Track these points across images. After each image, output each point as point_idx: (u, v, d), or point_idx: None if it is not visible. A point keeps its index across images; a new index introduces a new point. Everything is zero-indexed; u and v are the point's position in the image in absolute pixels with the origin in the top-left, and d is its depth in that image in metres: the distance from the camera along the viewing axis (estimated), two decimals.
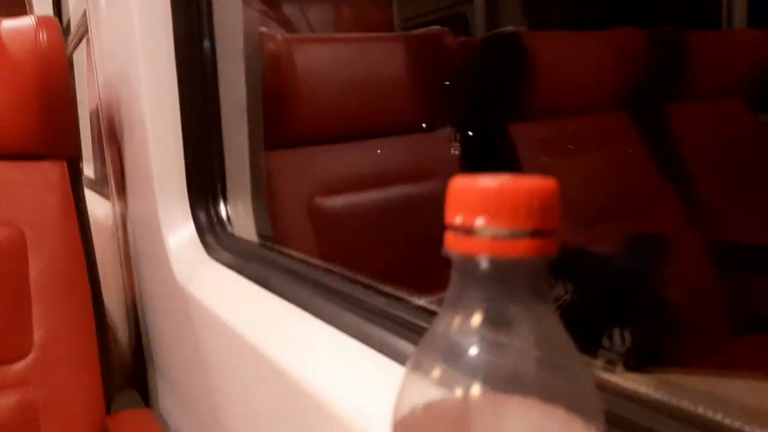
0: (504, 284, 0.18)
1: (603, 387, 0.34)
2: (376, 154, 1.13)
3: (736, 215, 1.38)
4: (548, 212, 0.17)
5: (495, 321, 0.18)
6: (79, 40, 1.51)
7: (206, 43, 0.85)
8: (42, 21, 0.88)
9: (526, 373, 0.18)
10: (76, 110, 1.66)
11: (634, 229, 1.19)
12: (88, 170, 1.75)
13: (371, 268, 0.56)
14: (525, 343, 0.18)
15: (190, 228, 0.83)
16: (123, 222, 1.08)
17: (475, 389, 0.19)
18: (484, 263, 0.18)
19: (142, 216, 0.95)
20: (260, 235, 0.84)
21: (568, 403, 0.18)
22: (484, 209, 0.17)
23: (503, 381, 0.19)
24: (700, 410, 0.27)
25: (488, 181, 0.17)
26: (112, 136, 1.08)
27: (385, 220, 1.08)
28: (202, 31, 0.86)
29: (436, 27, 1.27)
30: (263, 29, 1.07)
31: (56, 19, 0.92)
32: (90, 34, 1.20)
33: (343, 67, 1.10)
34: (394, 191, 1.13)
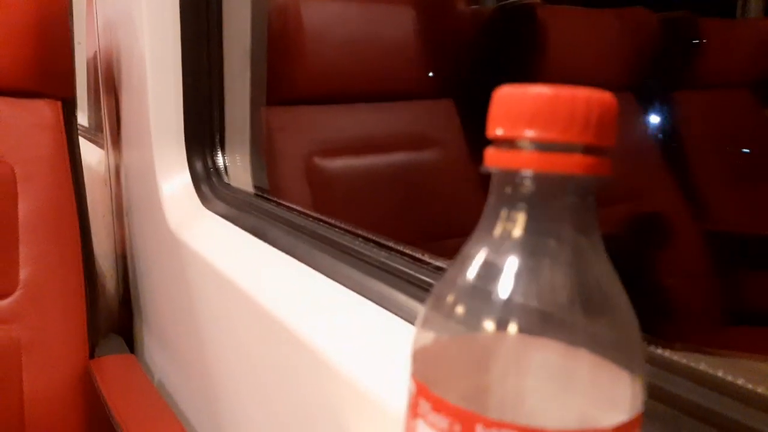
0: (548, 208, 0.16)
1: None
2: (379, 118, 1.11)
3: (733, 205, 1.37)
4: (606, 127, 0.15)
5: (533, 251, 0.17)
6: None
7: None
8: None
9: (563, 313, 0.17)
10: (74, 52, 1.62)
11: (633, 212, 1.18)
12: (82, 118, 1.72)
13: (365, 231, 0.55)
14: (565, 278, 0.17)
15: (185, 177, 0.81)
16: (116, 170, 1.06)
17: (502, 325, 0.17)
18: (527, 181, 0.16)
19: (136, 163, 0.92)
20: (257, 188, 0.82)
21: (606, 350, 0.17)
22: (533, 119, 0.16)
23: (535, 319, 0.17)
24: (720, 373, 0.26)
25: (540, 88, 0.16)
26: (109, 81, 1.05)
27: (383, 187, 1.07)
28: None
29: None
30: None
31: None
32: None
33: (351, 27, 1.07)
34: (395, 158, 1.11)
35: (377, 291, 0.47)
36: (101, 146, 1.20)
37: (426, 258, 0.45)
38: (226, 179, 0.80)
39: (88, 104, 1.67)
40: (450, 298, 0.18)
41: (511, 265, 0.17)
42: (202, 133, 0.83)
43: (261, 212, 0.68)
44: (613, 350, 0.17)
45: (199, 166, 0.81)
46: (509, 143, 0.16)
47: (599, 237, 0.17)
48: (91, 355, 0.86)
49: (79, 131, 1.39)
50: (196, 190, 0.79)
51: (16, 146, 0.84)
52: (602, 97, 0.15)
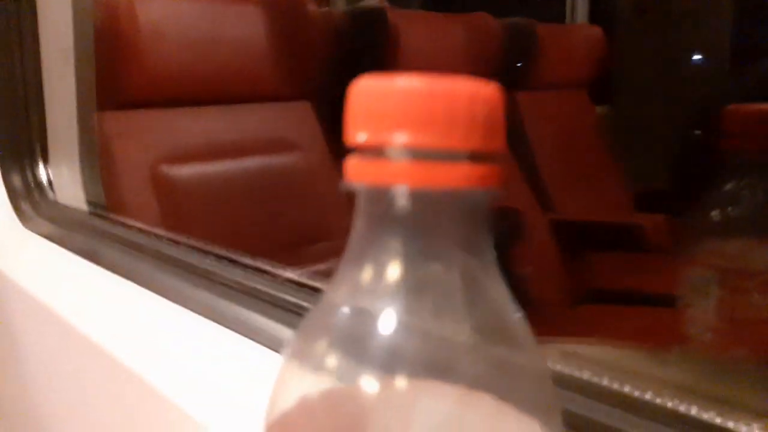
0: (429, 230, 0.13)
1: None
2: (231, 122, 1.04)
3: (574, 196, 1.48)
4: (494, 128, 0.13)
5: (414, 282, 0.13)
6: None
7: None
8: None
9: (453, 353, 0.14)
10: None
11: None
12: None
13: (223, 244, 0.49)
14: (453, 312, 0.14)
15: (0, 194, 0.69)
16: None
17: (381, 375, 0.14)
18: (402, 198, 0.13)
19: None
20: (90, 203, 0.72)
21: (507, 390, 0.14)
22: (404, 120, 0.12)
23: (422, 363, 0.14)
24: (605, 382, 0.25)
25: (411, 81, 0.12)
26: None
27: (240, 193, 1.00)
28: None
29: None
30: None
31: None
32: None
33: (195, 25, 0.99)
34: (250, 163, 1.05)
35: (233, 315, 0.42)
36: None
37: (289, 275, 0.41)
38: (51, 195, 0.69)
39: None
40: (314, 352, 0.14)
41: (390, 302, 0.14)
42: (19, 142, 0.71)
43: (95, 232, 0.59)
44: (518, 392, 0.14)
45: (16, 180, 0.69)
46: (375, 151, 0.13)
47: (493, 257, 0.14)
48: None
49: None
50: (15, 208, 0.68)
51: None
52: (488, 91, 0.12)
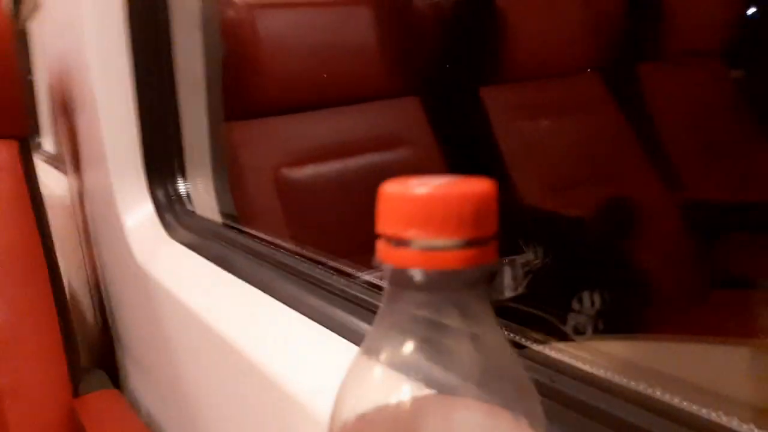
0: (440, 296, 0.16)
1: (545, 362, 0.33)
2: (344, 122, 1.10)
3: (708, 175, 1.38)
4: (483, 219, 0.15)
5: (431, 332, 0.17)
6: (34, 7, 1.43)
7: (160, 12, 0.81)
8: None
9: (467, 379, 0.17)
10: (30, 85, 1.59)
11: (606, 193, 1.18)
12: (49, 145, 1.69)
13: (339, 239, 0.54)
14: (463, 353, 0.17)
15: (148, 207, 0.80)
16: (80, 200, 1.04)
17: (419, 392, 0.17)
18: (417, 276, 0.16)
19: (98, 194, 0.91)
20: (222, 213, 0.81)
21: (510, 405, 0.17)
22: (414, 219, 0.16)
23: (444, 387, 0.17)
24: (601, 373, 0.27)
25: (418, 188, 0.16)
26: (63, 111, 1.03)
27: (353, 190, 1.06)
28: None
29: None
30: None
31: None
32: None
33: (306, 33, 1.06)
34: (364, 160, 1.10)
35: (340, 321, 0.47)
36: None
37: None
38: (189, 207, 0.79)
39: (53, 130, 1.65)
40: (365, 375, 0.18)
41: (414, 347, 0.17)
42: (162, 160, 0.82)
43: (225, 241, 0.67)
44: (515, 406, 0.17)
45: (161, 195, 0.80)
46: (396, 241, 0.16)
47: (493, 320, 0.17)
48: (75, 394, 0.85)
49: (46, 159, 1.36)
50: (161, 219, 0.78)
51: None
52: (476, 190, 0.15)
